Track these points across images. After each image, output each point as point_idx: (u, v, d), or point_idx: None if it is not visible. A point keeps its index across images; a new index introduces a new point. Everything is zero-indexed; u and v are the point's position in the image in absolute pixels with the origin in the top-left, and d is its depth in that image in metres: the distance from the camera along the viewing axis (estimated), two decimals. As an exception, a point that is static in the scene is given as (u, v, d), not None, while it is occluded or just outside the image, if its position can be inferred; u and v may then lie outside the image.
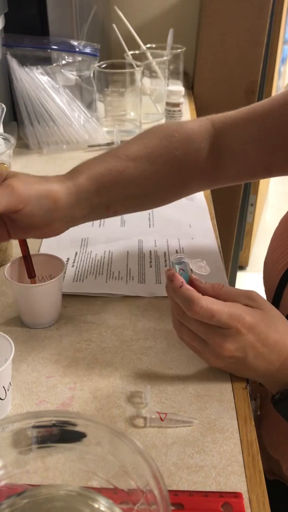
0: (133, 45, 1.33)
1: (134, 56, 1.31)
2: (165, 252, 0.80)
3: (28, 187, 0.56)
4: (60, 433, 0.42)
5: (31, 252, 0.66)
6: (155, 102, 1.33)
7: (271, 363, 0.53)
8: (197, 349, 0.55)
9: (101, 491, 0.42)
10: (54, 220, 0.59)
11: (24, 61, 1.10)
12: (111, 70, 1.22)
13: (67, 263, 0.77)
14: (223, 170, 0.70)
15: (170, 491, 0.46)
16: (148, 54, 1.34)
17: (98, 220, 0.89)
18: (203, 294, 0.52)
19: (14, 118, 1.17)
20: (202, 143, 0.68)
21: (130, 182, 0.64)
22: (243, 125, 0.68)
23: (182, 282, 0.53)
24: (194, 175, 0.69)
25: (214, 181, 0.72)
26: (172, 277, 0.53)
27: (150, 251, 0.81)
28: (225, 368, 0.56)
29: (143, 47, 1.35)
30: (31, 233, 0.60)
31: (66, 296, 0.69)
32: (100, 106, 1.24)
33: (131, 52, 1.32)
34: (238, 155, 0.68)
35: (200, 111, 1.47)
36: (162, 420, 0.53)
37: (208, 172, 0.69)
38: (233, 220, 1.73)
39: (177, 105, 1.26)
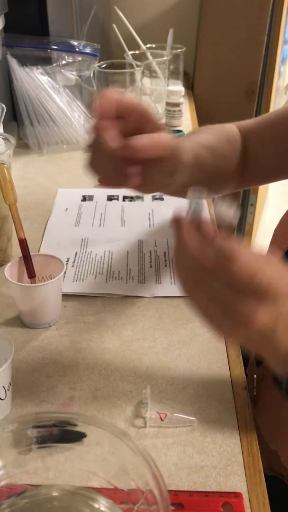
0: (133, 45, 1.33)
1: (134, 56, 1.31)
2: (165, 252, 0.80)
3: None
4: (60, 433, 0.42)
5: (31, 252, 0.66)
6: (155, 102, 1.33)
7: None
8: (214, 318, 0.44)
9: (101, 491, 0.42)
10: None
11: (24, 61, 1.10)
12: (111, 70, 1.22)
13: (67, 263, 0.77)
14: (246, 171, 0.73)
15: (170, 491, 0.46)
16: (148, 54, 1.34)
17: (98, 220, 0.89)
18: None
19: (14, 118, 1.17)
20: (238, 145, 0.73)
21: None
22: (257, 130, 0.73)
23: (215, 231, 0.42)
24: (232, 174, 0.73)
25: (241, 183, 0.76)
26: (202, 225, 0.44)
27: (150, 251, 0.81)
28: (244, 342, 0.45)
29: (143, 47, 1.35)
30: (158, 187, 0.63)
31: (66, 296, 0.69)
32: (100, 106, 1.23)
33: (131, 52, 1.32)
34: (254, 158, 0.72)
35: (200, 111, 1.47)
36: (162, 420, 0.53)
37: (238, 172, 0.73)
38: (233, 220, 1.73)
39: (177, 105, 1.26)
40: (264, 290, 0.41)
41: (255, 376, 0.66)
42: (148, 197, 0.97)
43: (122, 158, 0.55)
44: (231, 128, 0.73)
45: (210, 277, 0.42)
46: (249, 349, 0.49)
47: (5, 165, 0.65)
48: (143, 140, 0.54)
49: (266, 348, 0.45)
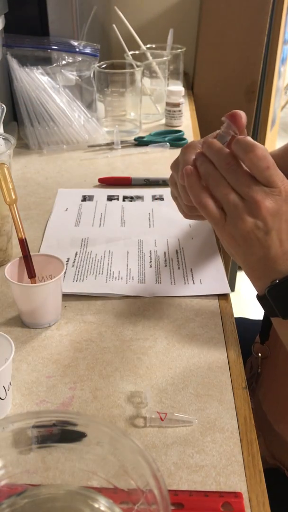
0: (133, 45, 1.33)
1: (134, 56, 1.31)
2: (165, 252, 0.80)
3: None
4: (60, 433, 0.42)
5: (31, 252, 0.66)
6: (155, 102, 1.33)
7: (285, 243, 0.52)
8: (223, 210, 0.53)
9: (101, 491, 0.42)
10: None
11: (24, 61, 1.10)
12: (111, 70, 1.22)
13: (67, 263, 0.77)
14: None
15: (170, 491, 0.46)
16: (148, 54, 1.34)
17: (98, 220, 0.89)
18: None
19: (14, 118, 1.17)
20: None
21: None
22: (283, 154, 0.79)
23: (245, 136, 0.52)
24: None
25: None
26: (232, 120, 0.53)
27: (150, 251, 0.81)
28: (240, 238, 0.53)
29: (143, 47, 1.35)
30: None
31: (66, 296, 0.69)
32: (100, 106, 1.24)
33: (131, 52, 1.32)
34: None
35: (200, 111, 1.47)
36: (162, 420, 0.53)
37: None
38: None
39: (177, 105, 1.26)
40: (273, 184, 0.50)
41: (259, 354, 0.67)
42: (148, 197, 0.97)
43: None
44: None
45: (233, 167, 0.52)
46: (237, 250, 0.55)
47: (5, 165, 0.65)
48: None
49: (256, 248, 0.53)
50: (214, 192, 0.53)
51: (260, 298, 0.55)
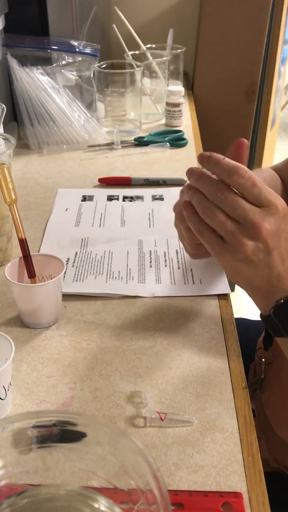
0: (133, 45, 1.33)
1: (134, 56, 1.31)
2: (165, 252, 0.80)
3: None
4: (60, 433, 0.42)
5: (31, 252, 0.66)
6: (155, 102, 1.33)
7: (286, 261, 0.52)
8: (221, 237, 0.53)
9: (101, 491, 0.42)
10: None
11: (24, 61, 1.10)
12: (111, 70, 1.22)
13: (67, 263, 0.77)
14: None
15: (170, 491, 0.46)
16: (148, 54, 1.34)
17: (98, 220, 0.89)
18: None
19: (14, 118, 1.17)
20: None
21: None
22: (285, 168, 0.83)
23: (224, 157, 0.52)
24: None
25: None
26: (210, 154, 0.53)
27: (150, 251, 0.81)
28: (242, 263, 0.53)
29: (143, 47, 1.35)
30: None
31: (66, 296, 0.69)
32: (100, 106, 1.24)
33: (131, 52, 1.32)
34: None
35: (200, 111, 1.47)
36: (162, 420, 0.53)
37: None
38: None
39: (177, 105, 1.26)
40: (265, 201, 0.50)
41: (263, 359, 0.67)
42: (148, 197, 0.97)
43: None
44: (269, 170, 0.82)
45: (224, 194, 0.51)
46: (239, 275, 0.55)
47: (5, 165, 0.65)
48: None
49: (259, 270, 0.53)
50: (210, 223, 0.53)
51: (264, 318, 0.55)
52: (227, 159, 0.52)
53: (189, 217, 0.55)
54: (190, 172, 0.54)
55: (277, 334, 0.55)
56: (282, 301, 0.53)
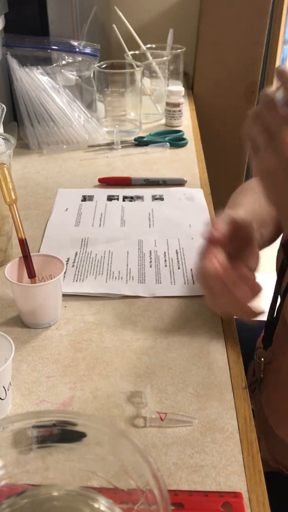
0: (133, 45, 1.33)
1: (134, 56, 1.31)
2: (165, 252, 0.80)
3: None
4: (60, 433, 0.42)
5: (31, 252, 0.66)
6: (155, 102, 1.33)
7: None
8: (255, 149, 0.52)
9: (101, 491, 0.42)
10: None
11: (24, 62, 1.10)
12: (111, 70, 1.22)
13: (67, 263, 0.77)
14: None
15: (170, 491, 0.46)
16: (148, 54, 1.34)
17: (98, 220, 0.89)
18: None
19: (14, 118, 1.17)
20: None
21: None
22: None
23: None
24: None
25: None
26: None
27: (150, 251, 0.81)
28: (276, 175, 0.51)
29: (143, 47, 1.35)
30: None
31: (66, 296, 0.69)
32: (100, 106, 1.24)
33: (131, 52, 1.32)
34: None
35: (200, 111, 1.47)
36: (162, 420, 0.53)
37: None
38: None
39: (177, 105, 1.26)
40: None
41: (262, 359, 0.67)
42: (148, 197, 0.97)
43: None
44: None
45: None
46: (277, 187, 0.52)
47: (5, 165, 0.65)
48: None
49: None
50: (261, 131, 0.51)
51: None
52: None
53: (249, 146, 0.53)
54: (263, 97, 0.52)
55: None
56: None
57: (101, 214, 0.91)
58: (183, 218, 0.90)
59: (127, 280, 0.74)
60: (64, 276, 0.73)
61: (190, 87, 1.64)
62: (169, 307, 0.69)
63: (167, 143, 1.15)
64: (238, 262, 0.60)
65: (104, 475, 0.42)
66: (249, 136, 0.53)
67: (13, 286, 0.63)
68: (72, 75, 1.15)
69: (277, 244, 0.73)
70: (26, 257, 0.65)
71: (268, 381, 0.69)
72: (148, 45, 1.39)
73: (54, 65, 1.12)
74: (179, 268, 0.76)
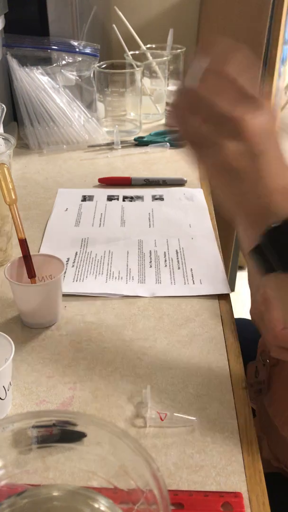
0: (133, 45, 1.33)
1: (134, 56, 1.31)
2: (165, 252, 0.80)
3: None
4: (60, 433, 0.42)
5: (31, 252, 0.66)
6: (155, 102, 1.33)
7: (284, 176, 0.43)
8: (200, 144, 0.45)
9: (101, 491, 0.42)
10: None
11: (24, 61, 1.10)
12: (111, 70, 1.22)
13: (67, 263, 0.77)
14: None
15: (170, 491, 0.46)
16: (148, 54, 1.34)
17: (98, 220, 0.89)
18: None
19: (14, 118, 1.17)
20: None
21: None
22: None
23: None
24: None
25: None
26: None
27: (150, 251, 0.81)
28: (224, 168, 0.44)
29: (143, 47, 1.35)
30: None
31: (66, 296, 0.69)
32: (100, 106, 1.24)
33: (131, 52, 1.32)
34: None
35: (200, 111, 1.47)
36: (162, 420, 0.53)
37: None
38: (233, 220, 1.73)
39: (177, 105, 1.26)
40: (254, 97, 0.43)
41: (268, 361, 0.66)
42: (148, 197, 0.97)
43: None
44: None
45: (199, 98, 0.45)
46: (226, 190, 0.46)
47: (5, 165, 0.65)
48: None
49: (245, 180, 0.43)
50: (186, 131, 0.46)
51: (252, 252, 0.46)
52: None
53: (174, 116, 0.49)
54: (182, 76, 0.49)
55: (267, 269, 0.46)
56: (273, 225, 0.42)
57: (101, 214, 0.91)
58: (183, 218, 0.90)
59: (127, 280, 0.74)
60: (64, 276, 0.73)
61: (190, 87, 1.64)
62: (169, 307, 0.69)
63: (167, 143, 1.15)
64: None
65: (104, 475, 0.42)
66: (185, 132, 0.47)
67: (13, 286, 0.63)
68: (72, 75, 1.15)
69: None
70: (26, 257, 0.65)
71: (273, 381, 0.69)
72: (148, 45, 1.38)
73: (54, 65, 1.12)
74: (179, 268, 0.76)
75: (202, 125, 0.44)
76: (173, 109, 0.49)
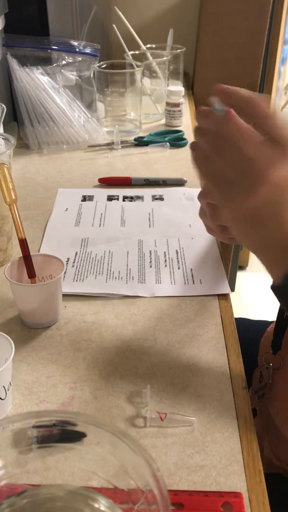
0: (133, 45, 1.33)
1: (134, 56, 1.31)
2: (165, 252, 0.80)
3: None
4: (60, 433, 0.42)
5: (31, 252, 0.66)
6: (155, 102, 1.33)
7: None
8: (230, 180, 0.46)
9: (101, 491, 0.42)
10: None
11: (24, 61, 1.10)
12: (111, 70, 1.22)
13: (67, 263, 0.77)
14: None
15: (170, 491, 0.46)
16: (148, 54, 1.34)
17: (98, 220, 0.89)
18: None
19: (14, 118, 1.17)
20: None
21: None
22: None
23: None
24: None
25: None
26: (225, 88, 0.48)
27: (150, 251, 0.81)
28: (248, 216, 0.46)
29: (143, 47, 1.35)
30: None
31: (66, 296, 0.69)
32: (100, 106, 1.24)
33: (131, 52, 1.32)
34: None
35: (200, 111, 1.47)
36: (162, 420, 0.53)
37: None
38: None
39: (177, 105, 1.26)
40: (280, 136, 0.43)
41: (271, 364, 0.66)
42: (148, 197, 0.97)
43: None
44: None
45: (232, 140, 0.45)
46: (249, 235, 0.48)
47: (5, 165, 0.65)
48: None
49: (268, 227, 0.45)
50: (210, 171, 0.47)
51: (275, 288, 0.48)
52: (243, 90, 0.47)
53: (195, 157, 0.49)
54: (199, 111, 0.49)
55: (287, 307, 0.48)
56: None
57: (101, 214, 0.91)
58: (183, 218, 0.90)
59: (127, 280, 0.74)
60: (64, 276, 0.73)
61: (190, 87, 1.64)
62: (169, 307, 0.69)
63: (167, 143, 1.15)
64: None
65: (104, 475, 0.42)
66: (207, 172, 0.49)
67: (13, 286, 0.63)
68: (72, 75, 1.15)
69: None
70: (26, 257, 0.65)
71: (274, 381, 0.69)
72: (148, 45, 1.39)
73: (54, 65, 1.12)
74: (179, 268, 0.76)
75: (226, 169, 0.45)
76: (195, 148, 0.50)
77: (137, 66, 1.21)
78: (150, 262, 0.78)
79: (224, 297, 0.71)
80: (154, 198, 0.96)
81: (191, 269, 0.76)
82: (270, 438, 0.69)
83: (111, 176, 1.03)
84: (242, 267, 2.21)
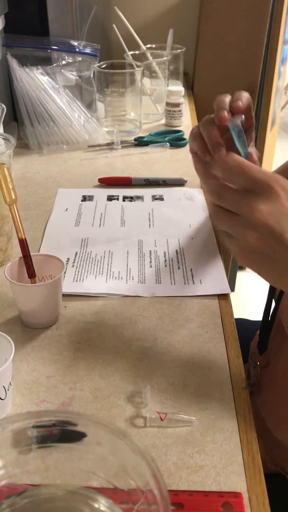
0: (133, 45, 1.33)
1: (134, 56, 1.31)
2: (165, 252, 0.80)
3: None
4: (60, 433, 0.42)
5: (31, 252, 0.66)
6: (155, 102, 1.33)
7: None
8: (228, 233, 0.49)
9: (101, 491, 0.42)
10: None
11: (24, 61, 1.10)
12: (111, 70, 1.22)
13: (67, 263, 0.77)
14: None
15: (170, 491, 0.46)
16: (148, 54, 1.34)
17: (98, 220, 0.89)
18: None
19: (14, 119, 1.17)
20: None
21: None
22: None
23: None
24: None
25: None
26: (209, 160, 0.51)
27: (150, 251, 0.81)
28: (256, 255, 0.48)
29: (143, 47, 1.35)
30: None
31: (66, 296, 0.69)
32: (100, 106, 1.24)
33: (131, 52, 1.32)
34: None
35: (200, 111, 1.47)
36: (162, 420, 0.53)
37: None
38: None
39: (177, 105, 1.26)
40: (259, 183, 0.46)
41: (258, 363, 0.66)
42: (148, 197, 0.97)
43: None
44: None
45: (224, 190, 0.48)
46: (261, 268, 0.49)
47: (5, 165, 0.65)
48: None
49: (278, 260, 0.47)
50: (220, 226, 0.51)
51: None
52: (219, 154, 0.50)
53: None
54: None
55: None
56: None
57: (101, 214, 0.91)
58: (183, 218, 0.90)
59: (127, 280, 0.74)
60: (64, 276, 0.73)
61: (190, 87, 1.64)
62: (169, 307, 0.69)
63: (167, 143, 1.16)
64: None
65: (104, 475, 0.42)
66: (220, 225, 0.51)
67: (13, 286, 0.63)
68: (72, 75, 1.15)
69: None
70: (26, 257, 0.65)
71: (264, 384, 0.69)
72: (148, 45, 1.39)
73: (54, 65, 1.13)
74: (179, 268, 0.76)
75: (231, 216, 0.48)
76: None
77: (137, 66, 1.21)
78: (150, 262, 0.78)
79: (224, 297, 0.71)
80: (154, 198, 0.96)
81: (191, 269, 0.76)
82: (264, 442, 0.70)
83: (111, 176, 1.03)
84: (242, 267, 2.21)
